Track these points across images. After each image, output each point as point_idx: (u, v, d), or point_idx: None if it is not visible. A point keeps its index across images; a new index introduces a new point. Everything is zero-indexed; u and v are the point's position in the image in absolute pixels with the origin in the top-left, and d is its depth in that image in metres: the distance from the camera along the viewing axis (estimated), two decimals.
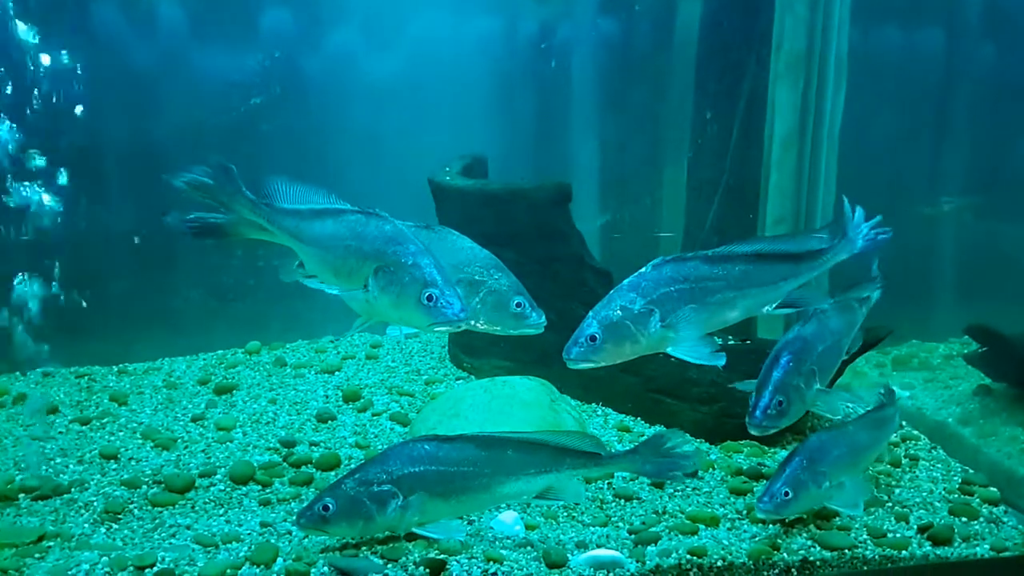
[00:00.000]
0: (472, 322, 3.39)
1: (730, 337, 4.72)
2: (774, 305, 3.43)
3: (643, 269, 3.27)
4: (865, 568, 3.55)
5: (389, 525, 3.31)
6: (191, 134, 5.74)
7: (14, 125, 5.36)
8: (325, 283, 3.38)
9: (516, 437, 3.40)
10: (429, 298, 3.01)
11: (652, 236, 6.33)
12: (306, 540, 3.45)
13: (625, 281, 3.25)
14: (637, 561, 3.40)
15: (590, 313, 3.20)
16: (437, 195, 5.04)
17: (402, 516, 3.25)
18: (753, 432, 3.49)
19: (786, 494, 3.45)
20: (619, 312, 3.16)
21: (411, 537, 3.43)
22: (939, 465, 4.37)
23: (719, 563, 3.44)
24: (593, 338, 3.15)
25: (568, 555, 3.40)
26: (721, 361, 3.25)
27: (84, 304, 5.67)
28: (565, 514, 3.75)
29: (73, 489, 3.85)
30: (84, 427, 4.53)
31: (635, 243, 6.37)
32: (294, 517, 3.60)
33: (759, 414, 3.41)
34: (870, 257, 3.79)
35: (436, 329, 3.10)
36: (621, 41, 6.21)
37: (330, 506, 3.21)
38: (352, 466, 4.11)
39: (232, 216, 3.55)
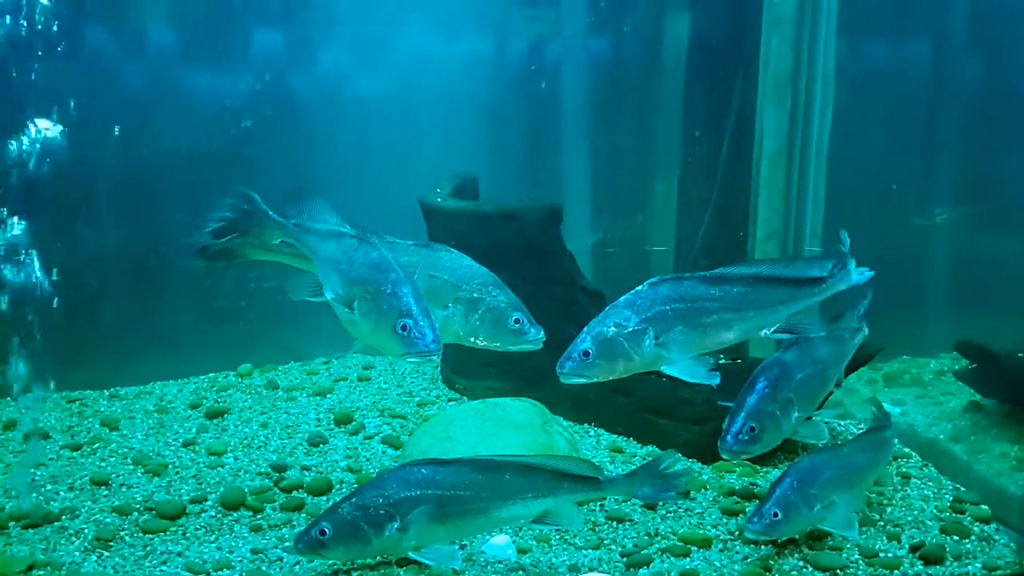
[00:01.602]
0: (473, 339, 3.43)
1: (721, 356, 4.73)
2: (772, 329, 3.44)
3: (639, 287, 3.29)
4: None
5: (386, 549, 3.31)
6: (182, 157, 5.75)
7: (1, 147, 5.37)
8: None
9: (513, 461, 3.39)
10: (403, 328, 3.04)
11: (644, 252, 6.34)
12: (297, 567, 3.44)
13: (621, 299, 3.27)
14: None
15: (585, 328, 3.22)
16: (428, 216, 5.05)
17: (399, 540, 3.25)
18: (724, 456, 3.51)
19: (775, 515, 3.45)
20: (613, 329, 3.17)
21: (403, 563, 3.43)
22: (930, 483, 4.37)
23: None
24: (586, 353, 3.16)
25: None
26: (715, 381, 3.26)
27: (75, 328, 5.65)
28: (557, 537, 3.74)
29: (64, 517, 3.84)
30: (75, 453, 4.52)
31: (627, 260, 6.39)
32: (285, 544, 3.61)
33: (730, 439, 3.42)
34: (863, 290, 3.78)
35: (409, 360, 3.13)
36: (610, 61, 6.24)
37: (327, 531, 3.22)
38: (344, 490, 4.11)
39: (239, 239, 3.62)
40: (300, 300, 3.41)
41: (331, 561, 3.42)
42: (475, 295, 3.39)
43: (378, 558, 3.44)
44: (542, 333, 3.41)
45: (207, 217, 3.56)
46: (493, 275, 3.49)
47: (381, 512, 3.19)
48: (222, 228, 3.60)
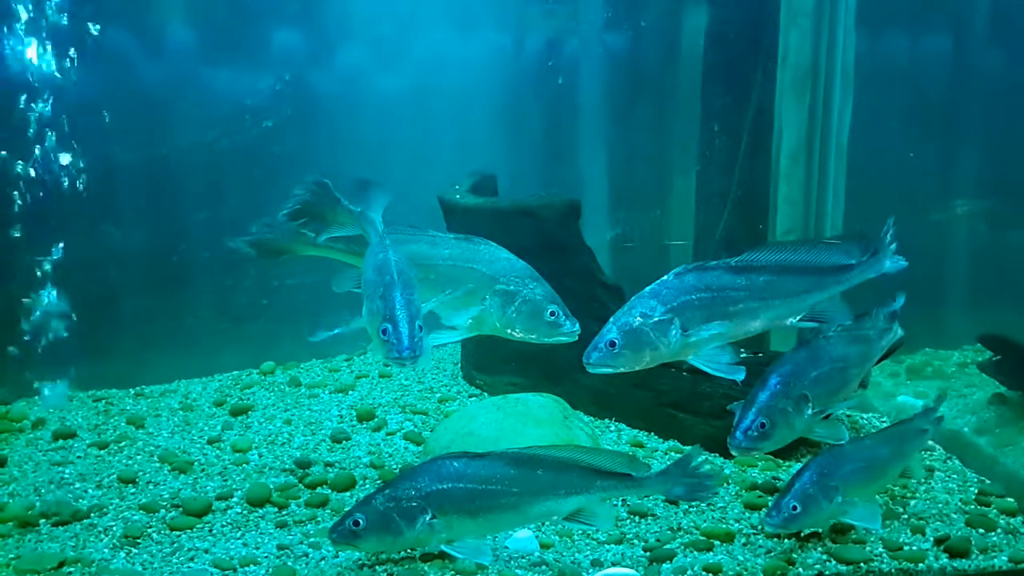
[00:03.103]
0: (509, 331, 3.48)
1: (742, 350, 4.72)
2: (798, 317, 3.41)
3: (665, 277, 3.28)
4: None
5: (417, 541, 3.32)
6: (203, 155, 5.81)
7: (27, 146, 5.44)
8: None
9: (548, 456, 3.36)
10: (384, 332, 3.07)
11: (663, 246, 6.35)
12: (323, 563, 3.47)
13: (647, 288, 3.26)
14: None
15: (611, 319, 3.22)
16: (447, 213, 5.08)
17: (430, 532, 3.26)
18: (733, 453, 3.46)
19: (794, 508, 3.45)
20: (639, 319, 3.17)
21: (427, 558, 3.46)
22: (955, 476, 4.35)
23: None
24: (612, 344, 3.16)
25: (583, 574, 3.41)
26: (741, 375, 3.26)
27: (100, 326, 5.71)
28: (580, 532, 3.75)
29: (92, 514, 3.90)
30: (102, 451, 4.58)
31: (646, 255, 6.39)
32: (311, 539, 3.65)
33: (740, 435, 3.36)
34: (894, 292, 3.72)
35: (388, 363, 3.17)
36: (628, 56, 6.24)
37: (360, 521, 3.24)
38: (367, 486, 4.15)
39: (289, 235, 3.76)
40: (344, 292, 3.46)
41: (358, 555, 3.46)
42: (512, 287, 3.44)
43: (403, 553, 3.47)
44: (577, 326, 3.44)
45: (289, 197, 3.66)
46: (531, 268, 3.53)
47: (413, 504, 3.21)
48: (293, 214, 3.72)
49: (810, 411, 3.48)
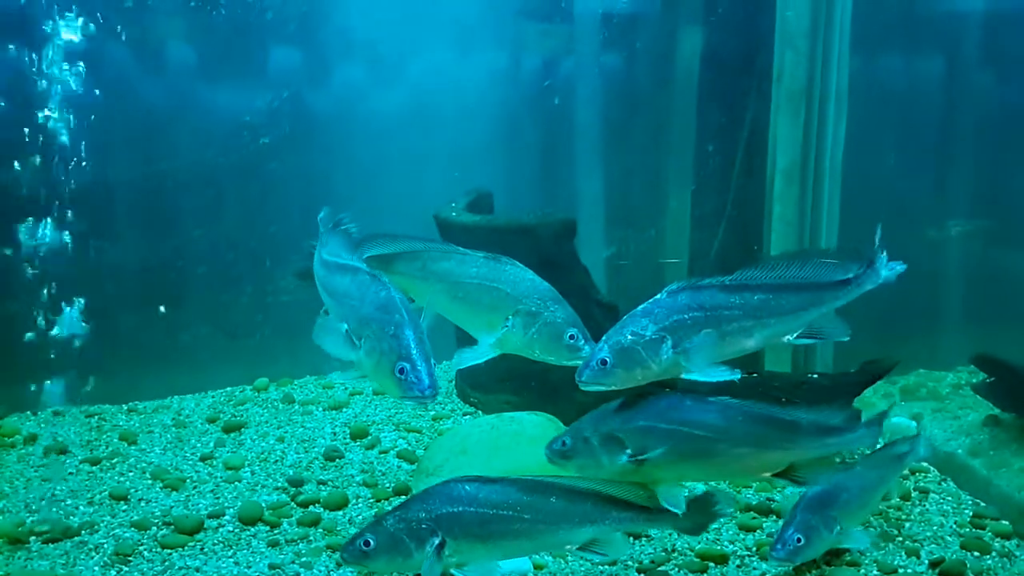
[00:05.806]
0: (530, 351, 3.44)
1: (737, 370, 4.71)
2: (795, 335, 3.40)
3: (658, 296, 3.27)
4: None
5: None
6: (200, 172, 5.82)
7: (26, 162, 5.45)
8: None
9: (562, 483, 3.29)
10: (401, 371, 3.06)
11: (658, 265, 6.36)
12: None
13: (639, 307, 3.26)
14: None
15: (604, 337, 3.22)
16: (443, 231, 5.08)
17: (439, 555, 3.25)
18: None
19: (799, 540, 3.43)
20: (630, 337, 3.17)
21: None
22: (949, 498, 4.35)
23: None
24: (604, 362, 3.16)
25: None
26: (736, 376, 3.26)
27: (94, 342, 5.71)
28: (574, 553, 3.73)
29: (83, 531, 3.87)
30: (94, 467, 4.56)
31: (641, 274, 6.40)
32: (302, 559, 3.63)
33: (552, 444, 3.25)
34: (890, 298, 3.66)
35: (405, 401, 3.14)
36: (624, 77, 6.28)
37: (371, 542, 3.19)
38: (360, 505, 4.14)
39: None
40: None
41: (366, 573, 3.43)
42: (534, 309, 3.43)
43: (395, 575, 3.45)
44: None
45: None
46: (553, 290, 3.52)
47: (423, 527, 3.18)
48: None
49: (624, 458, 3.23)
